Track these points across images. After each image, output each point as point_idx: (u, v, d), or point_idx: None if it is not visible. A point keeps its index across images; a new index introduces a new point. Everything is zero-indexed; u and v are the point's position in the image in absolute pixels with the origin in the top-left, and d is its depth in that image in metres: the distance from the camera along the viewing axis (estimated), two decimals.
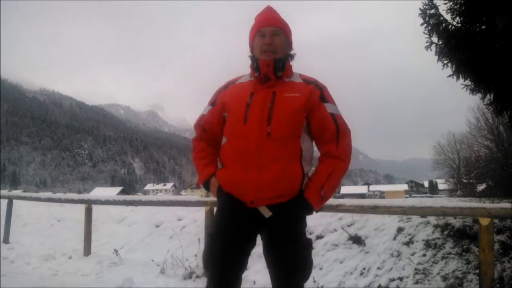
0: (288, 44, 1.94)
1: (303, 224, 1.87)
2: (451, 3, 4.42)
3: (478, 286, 3.19)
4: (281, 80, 1.88)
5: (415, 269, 3.74)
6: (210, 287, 1.92)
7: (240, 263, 1.89)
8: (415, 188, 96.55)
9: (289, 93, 1.83)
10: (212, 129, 2.03)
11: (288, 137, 1.78)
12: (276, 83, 1.87)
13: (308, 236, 4.76)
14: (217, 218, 1.95)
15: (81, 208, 5.87)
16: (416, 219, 4.43)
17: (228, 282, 1.88)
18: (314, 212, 1.85)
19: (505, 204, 3.26)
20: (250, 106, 1.82)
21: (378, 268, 3.90)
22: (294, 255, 1.80)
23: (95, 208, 5.82)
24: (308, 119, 1.85)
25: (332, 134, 1.83)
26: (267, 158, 1.75)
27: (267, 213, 1.76)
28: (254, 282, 3.83)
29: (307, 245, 1.87)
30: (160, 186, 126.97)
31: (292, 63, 1.96)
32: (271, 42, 1.86)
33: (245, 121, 1.80)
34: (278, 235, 1.81)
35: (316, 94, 1.85)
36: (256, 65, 1.87)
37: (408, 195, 63.56)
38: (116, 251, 4.77)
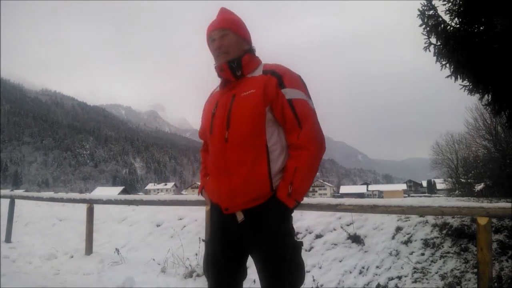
0: (243, 40, 1.87)
1: (285, 225, 1.76)
2: (450, 4, 4.44)
3: (476, 285, 3.20)
4: (243, 78, 1.82)
5: (414, 268, 3.76)
6: None
7: (233, 269, 1.84)
8: (414, 187, 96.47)
9: (246, 91, 1.76)
10: (207, 140, 2.02)
11: (247, 139, 1.72)
12: (237, 84, 1.82)
13: (308, 235, 4.79)
14: (210, 225, 1.98)
15: (83, 207, 5.91)
16: (415, 219, 4.45)
17: (219, 281, 1.85)
18: (292, 210, 1.76)
19: (503, 204, 3.28)
20: (215, 115, 1.83)
21: (377, 267, 3.92)
22: (276, 260, 1.71)
23: (97, 208, 5.86)
24: (272, 111, 1.75)
25: (291, 123, 1.73)
26: (232, 164, 1.73)
27: (239, 217, 1.74)
28: (254, 281, 3.85)
29: (292, 248, 1.75)
30: (161, 186, 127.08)
31: (261, 60, 1.91)
32: (220, 45, 1.83)
33: (211, 131, 1.84)
34: (257, 240, 1.74)
35: (273, 83, 1.74)
36: (216, 72, 1.88)
37: (406, 195, 63.50)
38: (117, 250, 4.80)
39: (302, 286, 1.86)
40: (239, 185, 1.71)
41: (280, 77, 1.76)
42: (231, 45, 1.83)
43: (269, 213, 1.72)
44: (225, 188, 1.75)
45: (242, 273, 1.89)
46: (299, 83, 1.81)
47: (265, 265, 1.75)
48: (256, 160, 1.71)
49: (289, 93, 1.74)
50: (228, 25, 1.85)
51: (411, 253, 3.97)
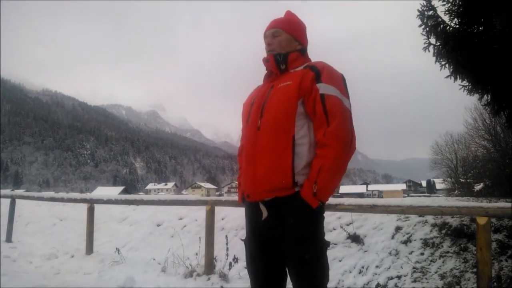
0: (293, 40, 1.94)
1: (307, 224, 1.71)
2: (449, 4, 4.44)
3: (475, 284, 3.21)
4: (287, 72, 1.88)
5: (413, 267, 3.77)
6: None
7: (271, 267, 1.83)
8: (413, 187, 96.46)
9: (283, 83, 1.81)
10: (243, 130, 2.07)
11: (277, 129, 1.74)
12: (279, 76, 1.89)
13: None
14: (246, 225, 2.01)
15: (83, 207, 5.93)
16: (414, 218, 4.46)
17: (260, 279, 1.87)
18: (317, 210, 1.69)
19: (502, 204, 3.29)
20: (253, 105, 1.89)
21: (377, 266, 3.93)
22: (297, 259, 1.71)
23: (97, 208, 5.87)
24: (304, 105, 1.75)
25: (320, 118, 1.70)
26: (260, 152, 1.76)
27: (264, 213, 1.75)
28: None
29: (313, 248, 1.71)
30: (161, 186, 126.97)
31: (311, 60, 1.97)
32: (270, 43, 1.95)
33: (248, 120, 1.89)
34: (281, 238, 1.75)
35: (309, 77, 1.75)
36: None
37: (406, 195, 63.49)
38: (118, 250, 4.81)
39: None
40: (263, 173, 1.74)
41: (318, 72, 1.77)
42: (279, 44, 1.92)
43: (291, 211, 1.71)
44: (250, 176, 1.79)
45: (281, 271, 1.85)
46: (337, 80, 1.78)
47: (288, 263, 1.76)
48: (282, 150, 1.71)
49: (323, 88, 1.72)
50: (280, 25, 1.95)
51: (411, 253, 3.98)
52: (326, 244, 1.77)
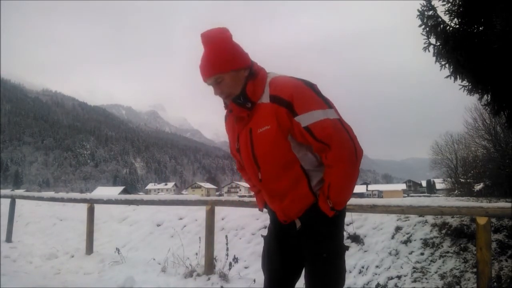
0: (239, 71, 1.72)
1: (324, 227, 1.73)
2: (449, 4, 4.44)
3: (475, 284, 3.22)
4: (256, 106, 1.72)
5: (413, 267, 3.77)
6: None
7: (287, 268, 1.87)
8: (413, 187, 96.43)
9: (261, 128, 1.70)
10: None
11: (282, 173, 1.72)
12: (251, 114, 1.74)
13: None
14: (269, 225, 2.03)
15: (84, 207, 5.93)
16: (414, 218, 4.46)
17: (273, 280, 1.91)
18: (336, 215, 1.72)
19: (502, 204, 3.29)
20: (241, 151, 1.84)
21: (377, 266, 3.93)
22: (313, 260, 1.75)
23: (97, 208, 5.88)
24: (294, 138, 1.70)
25: (318, 147, 1.67)
26: (275, 194, 1.79)
27: (297, 224, 1.81)
28: (254, 281, 3.87)
29: (330, 250, 1.73)
30: (161, 186, 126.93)
31: (264, 71, 1.79)
32: (220, 92, 1.75)
33: (243, 167, 1.94)
34: (300, 240, 1.81)
35: (284, 115, 1.64)
36: None
37: (406, 195, 63.47)
38: (118, 250, 4.82)
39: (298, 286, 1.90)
40: (288, 204, 1.76)
41: (289, 105, 1.64)
42: (228, 87, 1.73)
43: (311, 216, 1.75)
44: (277, 207, 1.83)
45: (295, 272, 1.90)
46: (310, 101, 1.66)
47: (306, 262, 1.80)
48: (296, 183, 1.73)
49: (303, 119, 1.63)
50: (218, 70, 1.69)
51: (411, 253, 3.98)
52: (344, 247, 1.78)
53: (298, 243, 1.81)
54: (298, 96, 1.64)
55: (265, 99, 1.71)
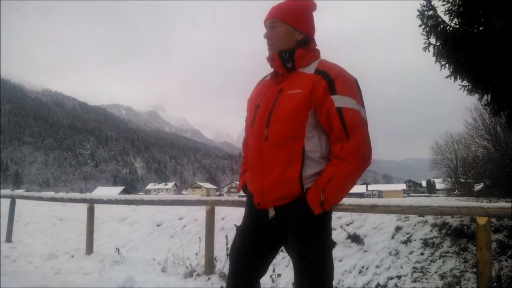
0: (293, 30, 1.75)
1: (309, 225, 1.68)
2: (449, 4, 4.44)
3: (475, 284, 3.21)
4: (294, 72, 1.74)
5: (413, 267, 3.77)
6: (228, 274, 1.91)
7: (255, 257, 1.82)
8: (413, 187, 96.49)
9: (292, 90, 1.69)
10: (247, 133, 1.95)
11: (286, 139, 1.66)
12: (287, 77, 1.75)
13: None
14: (244, 214, 1.95)
15: (84, 207, 5.93)
16: (414, 218, 4.46)
17: (240, 271, 1.84)
18: (319, 215, 1.66)
19: (502, 204, 3.29)
20: (259, 108, 1.78)
21: (377, 266, 3.93)
22: (299, 259, 1.70)
23: (97, 208, 5.88)
24: (316, 116, 1.66)
25: (338, 133, 1.63)
26: (267, 162, 1.71)
27: (271, 213, 1.76)
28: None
29: (316, 249, 1.68)
30: (161, 186, 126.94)
31: (319, 54, 1.81)
32: (268, 36, 1.79)
33: (252, 124, 1.80)
34: (286, 237, 1.75)
35: (321, 87, 1.63)
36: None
37: (406, 195, 63.50)
38: (118, 250, 4.82)
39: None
40: (270, 185, 1.69)
41: (331, 81, 1.64)
42: (278, 36, 1.76)
43: (295, 212, 1.69)
44: (257, 185, 1.75)
45: (262, 267, 1.87)
46: (353, 89, 1.67)
47: (293, 262, 1.76)
48: (290, 162, 1.66)
49: (339, 100, 1.62)
50: (277, 15, 1.77)
51: (411, 253, 3.98)
52: (331, 245, 1.74)
53: (273, 234, 1.77)
54: (343, 79, 1.67)
55: (309, 70, 1.72)
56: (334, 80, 1.64)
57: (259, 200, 1.75)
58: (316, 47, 1.83)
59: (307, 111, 1.65)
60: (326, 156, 1.70)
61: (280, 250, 1.98)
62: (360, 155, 1.63)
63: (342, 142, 1.62)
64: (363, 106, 1.71)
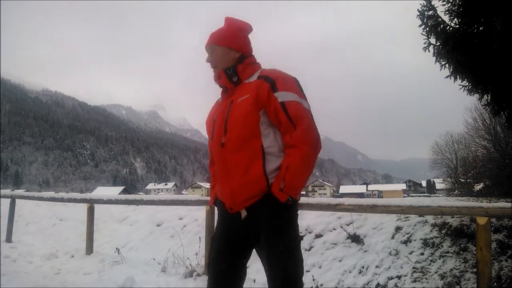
0: (231, 51, 1.96)
1: (278, 218, 1.81)
2: (449, 4, 4.44)
3: (475, 284, 3.21)
4: (241, 84, 1.93)
5: (413, 267, 3.77)
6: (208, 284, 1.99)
7: (234, 268, 1.92)
8: (413, 187, 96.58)
9: (241, 97, 1.86)
10: (209, 147, 2.16)
11: (242, 142, 1.81)
12: (235, 90, 1.93)
13: (308, 234, 4.79)
14: (217, 224, 2.06)
15: (84, 207, 5.93)
16: (414, 218, 4.46)
17: (220, 279, 1.93)
18: (285, 204, 1.78)
19: (502, 204, 3.29)
20: (215, 122, 1.95)
21: (377, 266, 3.93)
22: (269, 251, 1.80)
23: (97, 208, 5.88)
24: (266, 115, 1.84)
25: (286, 124, 1.80)
26: (230, 167, 1.84)
27: (243, 214, 1.84)
28: (254, 281, 3.87)
29: (286, 241, 1.80)
30: (161, 186, 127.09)
31: (260, 66, 2.01)
32: (210, 60, 2.00)
33: (212, 137, 1.96)
34: (256, 232, 1.85)
35: (265, 88, 1.82)
36: None
37: (406, 195, 63.50)
38: (118, 250, 4.82)
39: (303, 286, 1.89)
40: (238, 186, 1.81)
41: (273, 82, 1.83)
42: (217, 59, 1.97)
43: (264, 207, 1.81)
44: (227, 190, 1.86)
45: (242, 273, 1.97)
46: (292, 85, 1.87)
47: (264, 256, 1.84)
48: (252, 161, 1.80)
49: (282, 96, 1.80)
50: (213, 41, 1.98)
51: (411, 253, 3.98)
52: (298, 238, 1.88)
53: (250, 239, 1.87)
54: (282, 78, 1.86)
55: (253, 79, 1.92)
56: (275, 80, 1.84)
57: (230, 203, 1.85)
58: (256, 61, 2.03)
59: (257, 111, 1.82)
60: (284, 150, 1.85)
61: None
62: (309, 140, 1.79)
63: (291, 132, 1.79)
64: (305, 99, 1.89)
